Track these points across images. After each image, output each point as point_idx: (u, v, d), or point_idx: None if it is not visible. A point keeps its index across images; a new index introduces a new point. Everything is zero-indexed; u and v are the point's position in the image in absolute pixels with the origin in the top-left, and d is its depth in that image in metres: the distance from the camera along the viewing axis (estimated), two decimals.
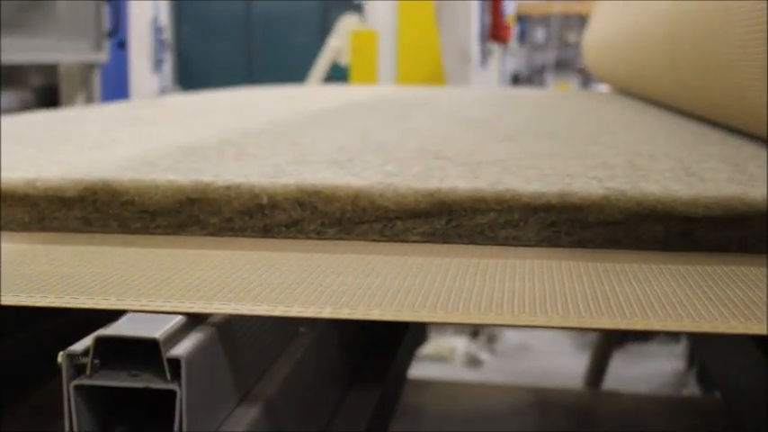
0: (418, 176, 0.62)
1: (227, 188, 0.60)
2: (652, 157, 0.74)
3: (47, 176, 0.63)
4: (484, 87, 3.35)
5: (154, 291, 0.50)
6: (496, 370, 3.10)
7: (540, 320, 0.46)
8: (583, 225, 0.56)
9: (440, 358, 3.15)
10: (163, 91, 5.21)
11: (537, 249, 0.57)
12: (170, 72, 6.26)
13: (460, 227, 0.58)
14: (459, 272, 0.53)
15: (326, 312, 0.47)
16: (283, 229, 0.60)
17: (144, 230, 0.62)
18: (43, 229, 0.63)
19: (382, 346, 1.10)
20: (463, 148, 0.80)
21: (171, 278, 0.52)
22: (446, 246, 0.58)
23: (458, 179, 0.61)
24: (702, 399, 2.28)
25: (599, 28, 2.28)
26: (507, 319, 0.48)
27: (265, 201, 0.60)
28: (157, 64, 5.24)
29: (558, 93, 2.36)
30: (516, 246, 0.57)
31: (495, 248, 0.57)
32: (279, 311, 0.48)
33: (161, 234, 0.62)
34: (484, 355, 3.20)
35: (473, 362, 3.16)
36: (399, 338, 1.04)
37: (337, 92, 2.07)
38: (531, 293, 0.50)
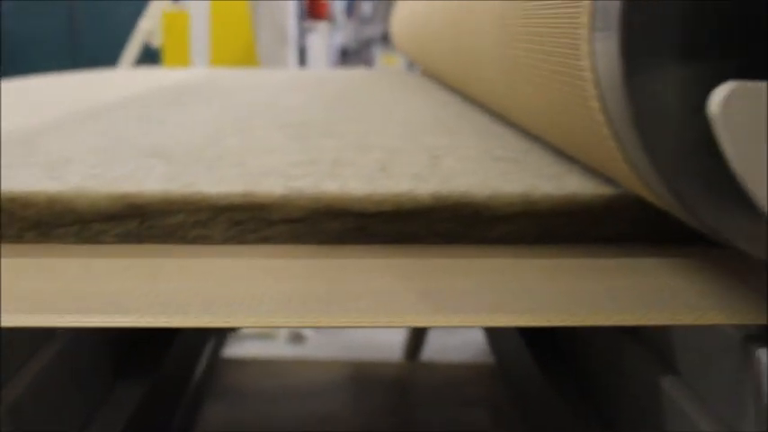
0: (118, 179, 0.64)
1: None
2: (366, 150, 0.78)
3: None
4: (292, 69, 3.38)
5: None
6: (319, 346, 3.16)
7: (214, 321, 0.49)
8: (267, 223, 0.60)
9: (263, 336, 3.18)
10: None
11: (224, 247, 0.60)
12: None
13: (153, 228, 0.60)
14: (150, 272, 0.57)
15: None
16: None
17: None
18: None
19: (158, 335, 1.12)
20: (196, 143, 0.83)
21: None
22: (141, 246, 0.61)
23: (157, 181, 0.64)
24: None
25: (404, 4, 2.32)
26: (187, 321, 0.52)
27: None
28: None
29: (361, 74, 2.41)
30: (206, 244, 0.61)
31: (187, 248, 0.60)
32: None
33: None
34: (308, 331, 3.24)
35: (296, 338, 3.21)
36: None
37: (138, 77, 2.06)
38: (213, 292, 0.54)
